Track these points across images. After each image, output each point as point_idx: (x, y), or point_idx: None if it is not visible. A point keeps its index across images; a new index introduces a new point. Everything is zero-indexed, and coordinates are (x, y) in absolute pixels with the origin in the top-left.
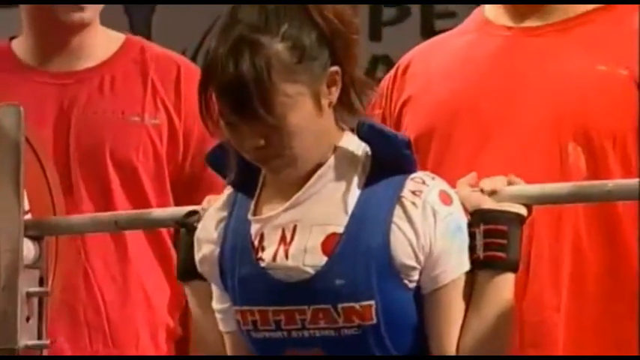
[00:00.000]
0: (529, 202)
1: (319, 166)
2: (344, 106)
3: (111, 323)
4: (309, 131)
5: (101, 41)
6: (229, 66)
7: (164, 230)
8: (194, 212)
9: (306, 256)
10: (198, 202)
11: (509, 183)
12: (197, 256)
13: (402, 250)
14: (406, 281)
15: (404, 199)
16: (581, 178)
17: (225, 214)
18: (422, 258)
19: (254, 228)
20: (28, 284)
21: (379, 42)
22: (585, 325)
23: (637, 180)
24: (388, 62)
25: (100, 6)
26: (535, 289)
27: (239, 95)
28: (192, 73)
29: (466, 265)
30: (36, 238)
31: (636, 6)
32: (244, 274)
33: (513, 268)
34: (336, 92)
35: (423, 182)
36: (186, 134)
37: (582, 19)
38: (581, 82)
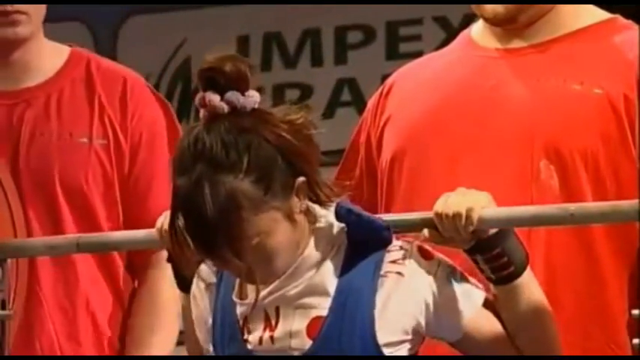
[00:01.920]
0: (493, 226)
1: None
2: (314, 202)
3: (62, 348)
4: (286, 247)
5: (46, 56)
6: (197, 209)
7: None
8: None
9: (292, 340)
10: (149, 223)
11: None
12: (193, 312)
13: (388, 327)
14: (392, 355)
15: (386, 276)
16: (553, 196)
17: (214, 280)
18: (422, 320)
19: (239, 309)
20: None
21: (345, 65)
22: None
23: (600, 203)
24: (354, 85)
25: (40, 19)
26: None
27: (210, 243)
28: (139, 87)
29: (478, 297)
30: None
31: (615, 27)
32: (233, 352)
33: (524, 267)
34: (305, 198)
35: (400, 247)
36: (132, 152)
37: (562, 40)
38: (555, 101)
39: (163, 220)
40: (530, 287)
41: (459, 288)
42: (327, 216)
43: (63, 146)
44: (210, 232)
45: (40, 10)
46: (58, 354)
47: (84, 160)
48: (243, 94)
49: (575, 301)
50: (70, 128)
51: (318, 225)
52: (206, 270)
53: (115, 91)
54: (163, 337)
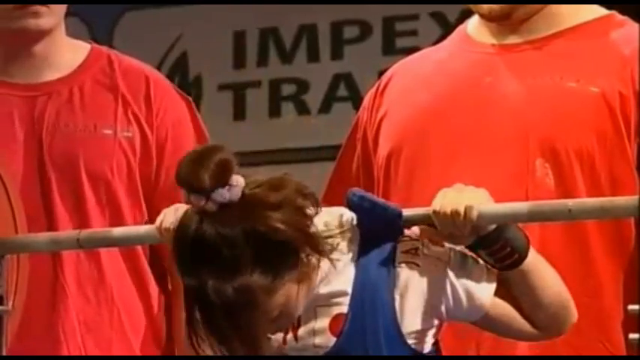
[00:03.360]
0: (492, 223)
1: None
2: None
3: (86, 344)
4: (304, 298)
5: (66, 51)
6: (210, 308)
7: (139, 248)
8: None
9: (315, 338)
10: None
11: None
12: None
13: (410, 317)
14: (417, 346)
15: (401, 267)
16: (548, 194)
17: None
18: (442, 307)
19: None
20: None
21: (341, 60)
22: None
23: (598, 199)
24: (350, 80)
25: (61, 13)
26: None
27: (225, 341)
28: (162, 84)
29: (491, 280)
30: None
31: (612, 23)
32: None
33: (527, 251)
34: (311, 264)
35: (411, 238)
36: (158, 148)
37: (558, 37)
38: (550, 99)
39: (162, 217)
40: (538, 266)
41: (473, 270)
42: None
43: (87, 137)
44: (227, 330)
45: (59, 7)
46: (81, 347)
47: (109, 150)
48: (228, 186)
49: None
50: (94, 120)
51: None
52: None
53: (139, 88)
54: None
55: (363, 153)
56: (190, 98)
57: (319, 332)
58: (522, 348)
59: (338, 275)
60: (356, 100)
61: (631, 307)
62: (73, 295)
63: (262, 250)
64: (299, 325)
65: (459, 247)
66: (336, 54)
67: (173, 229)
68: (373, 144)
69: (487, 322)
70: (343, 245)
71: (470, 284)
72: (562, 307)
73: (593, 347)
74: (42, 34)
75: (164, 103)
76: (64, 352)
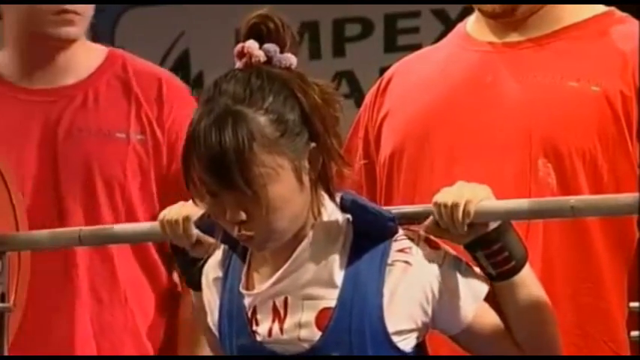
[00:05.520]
0: (492, 219)
1: (302, 236)
2: (322, 182)
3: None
4: (289, 204)
5: (84, 56)
6: (212, 136)
7: (151, 246)
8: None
9: (300, 330)
10: None
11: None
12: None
13: (397, 315)
14: (402, 345)
15: (394, 264)
16: (551, 195)
17: (220, 274)
18: (428, 309)
19: (247, 300)
20: None
21: (343, 58)
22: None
23: (600, 196)
24: (352, 78)
25: (88, 21)
26: None
27: (220, 165)
28: (174, 86)
29: (481, 291)
30: None
31: (612, 20)
32: (241, 344)
33: (524, 262)
34: (317, 168)
35: (407, 237)
36: (169, 149)
37: (559, 35)
38: (552, 98)
39: (167, 212)
40: (530, 283)
41: (464, 280)
42: (332, 209)
43: (101, 141)
44: (223, 157)
45: (90, 11)
46: (94, 350)
47: (122, 154)
48: (281, 52)
49: (572, 299)
50: (108, 124)
51: (322, 215)
52: (213, 264)
53: (151, 90)
54: None
55: (365, 152)
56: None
57: (305, 325)
58: None
59: (328, 270)
60: (358, 97)
61: (632, 304)
62: (86, 298)
63: (284, 107)
64: (285, 317)
65: (455, 253)
66: (338, 51)
67: (176, 221)
68: (375, 144)
69: (468, 336)
70: (337, 237)
71: (457, 293)
72: (546, 333)
73: (597, 347)
74: (69, 43)
75: (175, 104)
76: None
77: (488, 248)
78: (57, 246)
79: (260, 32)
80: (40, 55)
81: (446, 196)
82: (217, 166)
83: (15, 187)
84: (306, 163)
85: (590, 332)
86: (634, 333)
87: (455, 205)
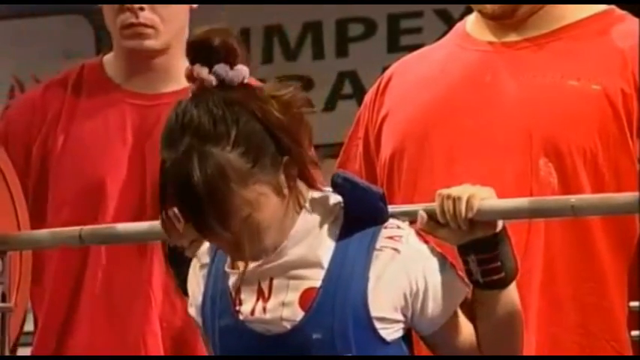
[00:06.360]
0: (494, 217)
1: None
2: (303, 180)
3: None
4: (275, 221)
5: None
6: (184, 179)
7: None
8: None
9: (283, 310)
10: None
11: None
12: (189, 291)
13: (381, 301)
14: (384, 334)
15: (382, 250)
16: (552, 194)
17: (207, 260)
18: (410, 301)
19: (231, 280)
20: None
21: (346, 58)
22: (556, 323)
23: (600, 195)
24: (355, 78)
25: (174, 29)
26: None
27: (196, 212)
28: None
29: (460, 295)
30: None
31: (612, 18)
32: (223, 325)
33: (513, 278)
34: (294, 176)
35: (398, 227)
36: None
37: (558, 34)
38: (552, 97)
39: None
40: (512, 299)
41: (446, 280)
42: (319, 196)
43: None
44: (198, 203)
45: (173, 21)
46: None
47: None
48: (232, 68)
49: (575, 298)
50: None
51: (308, 201)
52: (203, 252)
53: None
54: None
55: (365, 152)
56: None
57: (288, 305)
58: (529, 348)
59: (317, 246)
60: (361, 97)
61: (632, 303)
62: (158, 303)
63: (250, 134)
64: (269, 297)
65: (441, 252)
66: (341, 51)
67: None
68: (375, 144)
69: (438, 337)
70: (327, 220)
71: (438, 292)
72: (515, 341)
73: (600, 347)
74: (155, 53)
75: None
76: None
77: (482, 254)
78: (58, 245)
79: (205, 55)
80: (138, 62)
81: (450, 189)
82: (197, 217)
83: (16, 187)
84: (282, 178)
85: (593, 331)
86: (634, 332)
87: (458, 198)
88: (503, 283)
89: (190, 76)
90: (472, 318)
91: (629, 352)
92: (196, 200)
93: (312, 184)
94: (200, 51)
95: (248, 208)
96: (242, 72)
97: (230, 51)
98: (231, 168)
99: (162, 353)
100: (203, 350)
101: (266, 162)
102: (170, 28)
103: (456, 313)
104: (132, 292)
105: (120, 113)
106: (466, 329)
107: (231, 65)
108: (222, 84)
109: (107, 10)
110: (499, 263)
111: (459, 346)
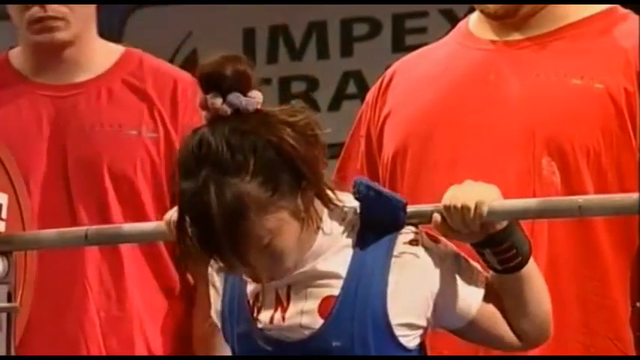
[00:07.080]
0: (502, 219)
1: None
2: (319, 199)
3: (107, 343)
4: (295, 244)
5: (98, 54)
6: (203, 212)
7: (162, 245)
8: None
9: (302, 317)
10: None
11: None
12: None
13: (401, 307)
14: (404, 341)
15: (400, 256)
16: (555, 193)
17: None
18: (431, 305)
19: (249, 287)
20: None
21: (350, 57)
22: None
23: (608, 196)
24: (360, 78)
25: (85, 20)
26: None
27: (215, 246)
28: (189, 85)
29: (481, 282)
30: (4, 254)
31: (615, 17)
32: (242, 331)
33: (529, 256)
34: (311, 201)
35: (411, 231)
36: None
37: (561, 33)
38: (555, 96)
39: (173, 212)
40: (534, 275)
41: (465, 274)
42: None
43: (112, 137)
44: (216, 235)
45: (82, 14)
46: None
47: (133, 150)
48: (245, 95)
49: (578, 297)
50: (120, 121)
51: (325, 214)
52: None
53: (166, 89)
54: None
55: (367, 151)
56: None
57: (307, 313)
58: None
59: (334, 256)
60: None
61: (638, 304)
62: (94, 293)
63: (267, 162)
64: (288, 306)
65: (453, 246)
66: (346, 51)
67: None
68: (377, 143)
69: (471, 328)
70: (343, 229)
71: (460, 288)
72: (547, 319)
73: (604, 346)
74: (65, 44)
75: (190, 105)
76: (83, 352)
77: (498, 247)
78: (64, 245)
79: (218, 84)
80: (48, 54)
81: (455, 197)
82: (214, 249)
83: (21, 187)
84: (300, 202)
85: (597, 330)
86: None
87: (466, 208)
88: (522, 265)
89: (204, 106)
90: (497, 300)
91: (633, 352)
92: (214, 232)
93: (327, 204)
94: (212, 81)
95: (269, 235)
96: (256, 99)
97: (242, 78)
98: (250, 198)
99: (100, 342)
100: (139, 338)
101: (284, 189)
102: (79, 18)
103: (483, 304)
104: (67, 283)
105: (33, 106)
106: (494, 311)
107: (244, 92)
108: (237, 112)
109: (13, 5)
110: (514, 251)
111: (492, 328)
